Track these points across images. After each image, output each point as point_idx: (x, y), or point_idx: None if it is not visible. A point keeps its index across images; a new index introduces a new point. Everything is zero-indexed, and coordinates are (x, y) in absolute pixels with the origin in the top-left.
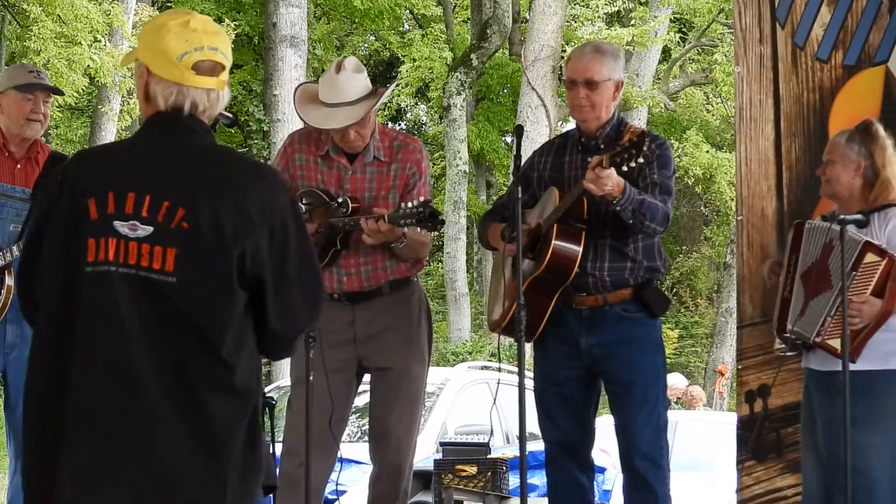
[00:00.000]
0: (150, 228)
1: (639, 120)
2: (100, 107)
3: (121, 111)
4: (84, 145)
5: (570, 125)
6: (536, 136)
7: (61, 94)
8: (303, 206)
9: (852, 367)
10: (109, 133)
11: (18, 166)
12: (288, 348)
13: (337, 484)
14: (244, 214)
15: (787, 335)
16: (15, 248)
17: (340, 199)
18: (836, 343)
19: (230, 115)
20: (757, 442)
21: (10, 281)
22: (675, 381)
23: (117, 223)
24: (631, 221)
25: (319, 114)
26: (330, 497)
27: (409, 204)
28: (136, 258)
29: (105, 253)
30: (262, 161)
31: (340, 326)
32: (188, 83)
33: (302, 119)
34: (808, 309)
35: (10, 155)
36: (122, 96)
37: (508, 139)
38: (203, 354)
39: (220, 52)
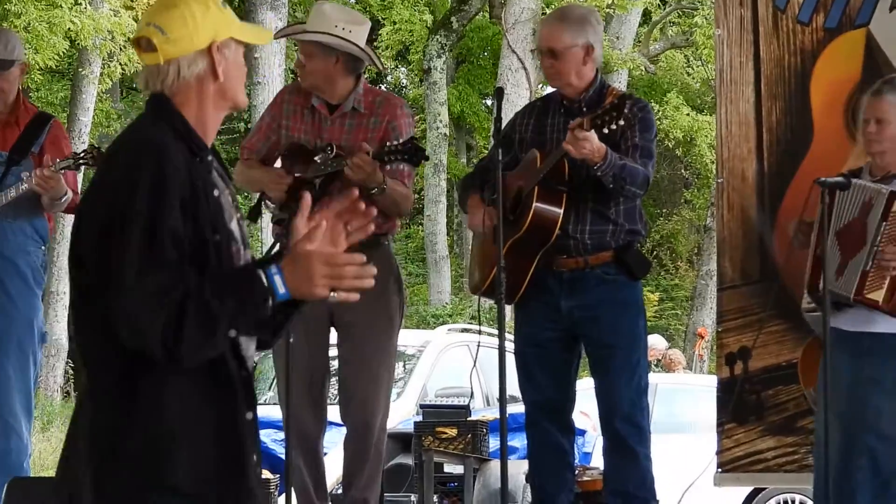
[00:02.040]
0: None
1: (619, 83)
2: (80, 70)
3: (101, 74)
4: (65, 108)
5: (550, 88)
6: (517, 98)
7: (6, 69)
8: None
9: (885, 328)
10: (90, 96)
11: None
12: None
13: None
14: (89, 193)
15: (819, 293)
16: None
17: (321, 143)
18: (875, 296)
19: None
20: (737, 404)
21: None
22: (655, 342)
23: None
24: (612, 186)
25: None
26: None
27: (395, 141)
28: None
29: None
30: (140, 139)
31: None
32: None
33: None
34: (846, 268)
35: None
36: (103, 59)
37: (489, 102)
38: None
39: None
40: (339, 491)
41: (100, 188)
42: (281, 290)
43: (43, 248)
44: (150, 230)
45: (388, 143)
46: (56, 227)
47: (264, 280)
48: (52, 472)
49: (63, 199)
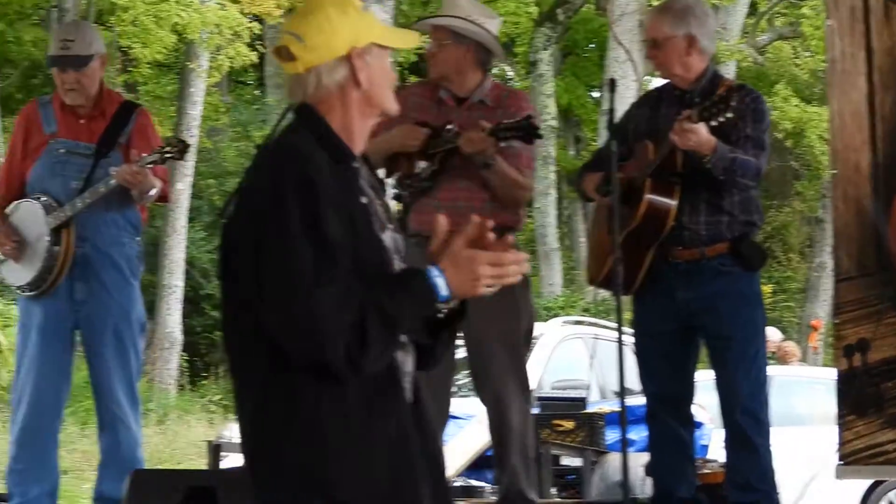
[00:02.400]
0: None
1: (727, 74)
2: (188, 63)
3: (209, 68)
4: (173, 102)
5: (658, 80)
6: (624, 90)
7: (84, 64)
8: None
9: None
10: (198, 90)
11: (82, 121)
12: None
13: None
14: (237, 202)
15: None
16: (79, 201)
17: (449, 127)
18: None
19: None
20: (857, 397)
21: (69, 238)
22: (770, 334)
23: None
24: (722, 178)
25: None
26: None
27: (510, 120)
28: None
29: None
30: (284, 145)
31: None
32: None
33: None
34: None
35: (73, 111)
36: (211, 53)
37: (596, 94)
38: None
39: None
40: (457, 484)
41: (249, 200)
42: (444, 291)
43: (137, 238)
44: (313, 238)
45: (503, 122)
46: (167, 220)
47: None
48: (169, 465)
49: (152, 193)
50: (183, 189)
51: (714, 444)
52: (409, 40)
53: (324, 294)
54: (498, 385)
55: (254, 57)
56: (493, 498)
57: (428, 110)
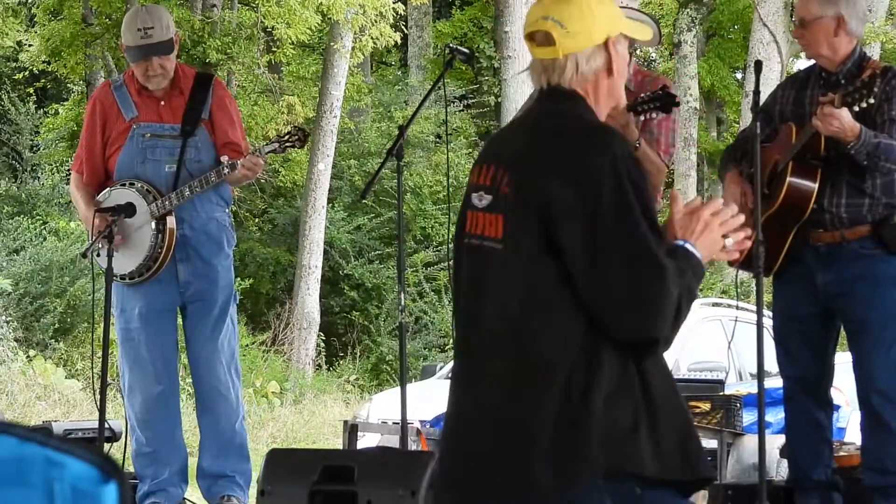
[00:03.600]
0: (490, 197)
1: (871, 56)
2: (332, 44)
3: (352, 48)
4: (316, 83)
5: (802, 62)
6: (768, 72)
7: (170, 49)
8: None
9: None
10: (341, 70)
11: (162, 103)
12: (619, 329)
13: None
14: (549, 172)
15: None
16: (187, 189)
17: None
18: None
19: (466, 50)
20: None
21: (171, 224)
22: None
23: (473, 195)
24: (865, 163)
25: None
26: None
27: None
28: (480, 228)
29: (470, 225)
30: (600, 124)
31: None
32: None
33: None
34: None
35: (150, 93)
36: (354, 33)
37: (739, 75)
38: (517, 322)
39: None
40: None
41: (576, 175)
42: (704, 262)
43: (228, 210)
44: (647, 213)
45: (642, 96)
46: (307, 200)
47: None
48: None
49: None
50: (324, 169)
51: (851, 426)
52: (646, 34)
53: (670, 264)
54: None
55: (397, 37)
56: None
57: None
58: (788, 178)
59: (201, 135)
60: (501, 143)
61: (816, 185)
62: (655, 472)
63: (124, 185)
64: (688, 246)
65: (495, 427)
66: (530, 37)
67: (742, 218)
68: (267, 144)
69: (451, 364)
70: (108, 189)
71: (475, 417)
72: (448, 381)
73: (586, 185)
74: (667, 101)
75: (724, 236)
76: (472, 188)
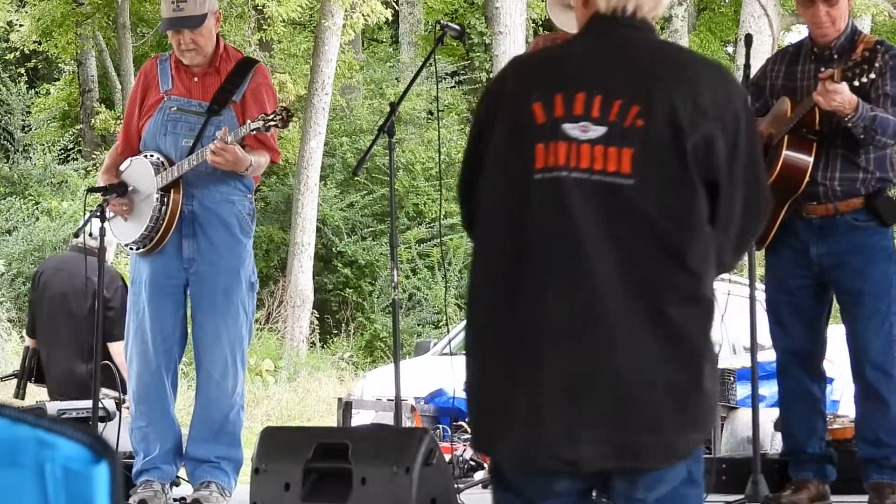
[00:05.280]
0: (603, 129)
1: (862, 28)
2: (323, 21)
3: (344, 25)
4: (307, 60)
5: (793, 35)
6: (759, 46)
7: (200, 24)
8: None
9: None
10: (332, 47)
11: (196, 79)
12: (730, 258)
13: None
14: (698, 107)
15: None
16: (185, 163)
17: None
18: None
19: (457, 26)
20: None
21: (176, 197)
22: None
23: (567, 126)
24: (861, 136)
25: (571, 18)
26: None
27: None
28: (588, 161)
29: (555, 157)
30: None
31: None
32: None
33: (554, 21)
34: None
35: (188, 69)
36: (346, 10)
37: (731, 49)
38: (668, 261)
39: None
40: None
41: (721, 111)
42: None
43: (249, 196)
44: None
45: None
46: (299, 178)
47: None
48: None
49: (248, 170)
50: (316, 147)
51: (845, 398)
52: None
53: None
54: None
55: (388, 14)
56: None
57: None
58: (784, 152)
59: (227, 116)
60: (582, 70)
61: (812, 159)
62: None
63: (145, 156)
64: None
65: (659, 376)
66: None
67: None
68: (252, 122)
69: (444, 341)
70: (129, 159)
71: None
72: (441, 358)
73: (729, 120)
74: None
75: None
76: (558, 119)
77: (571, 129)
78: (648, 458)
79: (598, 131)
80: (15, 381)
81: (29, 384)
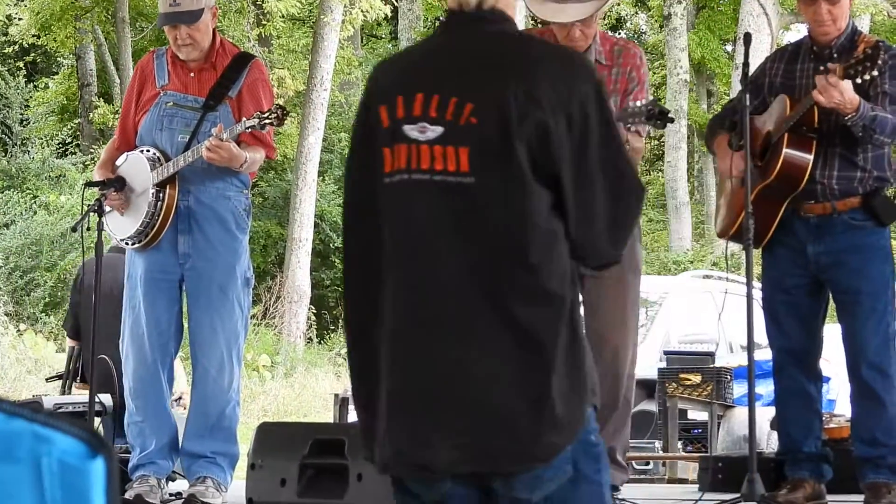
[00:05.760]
0: (441, 128)
1: (861, 28)
2: (322, 17)
3: (343, 21)
4: (306, 56)
5: (792, 34)
6: (758, 44)
7: (196, 19)
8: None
9: None
10: (332, 43)
11: (192, 75)
12: (595, 256)
13: None
14: (532, 99)
15: None
16: (181, 159)
17: None
18: None
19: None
20: None
21: (172, 192)
22: None
23: (407, 127)
24: (860, 135)
25: (549, 8)
26: None
27: (638, 102)
28: (429, 162)
29: (398, 161)
30: (571, 49)
31: None
32: None
33: (532, 12)
34: None
35: (184, 64)
36: (345, 6)
37: (729, 48)
38: (510, 258)
39: None
40: None
41: (565, 101)
42: None
43: (245, 192)
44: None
45: (630, 105)
46: (298, 174)
47: None
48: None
49: (244, 167)
50: (314, 143)
51: (841, 398)
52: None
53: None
54: None
55: (387, 10)
56: None
57: None
58: (784, 150)
59: (223, 112)
60: (424, 70)
61: (812, 157)
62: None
63: (141, 151)
64: None
65: (508, 377)
66: None
67: None
68: (248, 120)
69: None
70: (125, 154)
71: (469, 373)
72: None
73: (575, 111)
74: (662, 119)
75: None
76: (399, 121)
77: (411, 130)
78: (504, 462)
79: (435, 131)
80: (60, 382)
81: (73, 385)
